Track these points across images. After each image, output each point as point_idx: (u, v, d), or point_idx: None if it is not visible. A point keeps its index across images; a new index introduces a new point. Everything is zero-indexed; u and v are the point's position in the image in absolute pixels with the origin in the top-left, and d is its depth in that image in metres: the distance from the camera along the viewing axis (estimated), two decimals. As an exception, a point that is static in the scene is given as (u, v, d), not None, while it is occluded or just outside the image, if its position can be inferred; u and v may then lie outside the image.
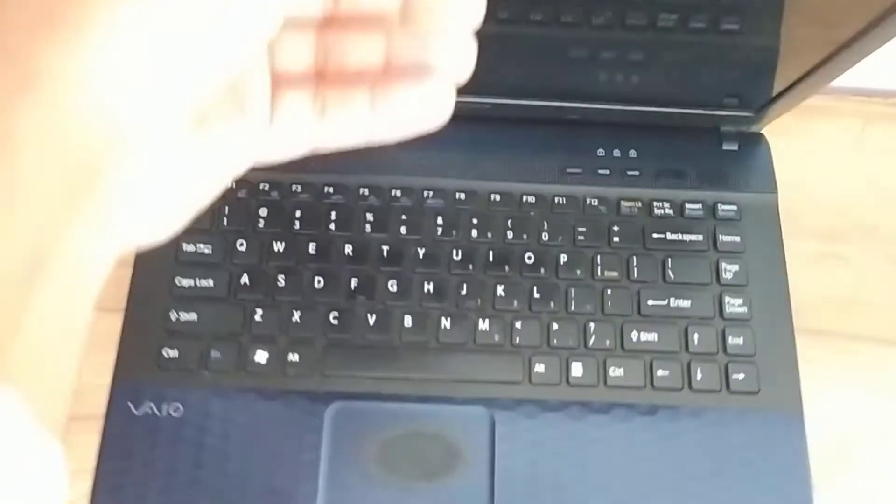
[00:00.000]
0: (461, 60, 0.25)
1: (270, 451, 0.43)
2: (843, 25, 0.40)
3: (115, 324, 0.46)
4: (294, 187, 0.49)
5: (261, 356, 0.45)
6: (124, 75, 0.19)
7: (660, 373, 0.45)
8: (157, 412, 0.43)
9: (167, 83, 0.20)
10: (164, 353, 0.44)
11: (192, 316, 0.45)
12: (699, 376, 0.45)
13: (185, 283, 0.46)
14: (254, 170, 0.49)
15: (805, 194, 0.53)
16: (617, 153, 0.50)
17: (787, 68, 0.46)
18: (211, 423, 0.43)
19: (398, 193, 0.49)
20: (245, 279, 0.46)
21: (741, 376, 0.45)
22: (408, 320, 0.46)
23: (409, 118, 0.25)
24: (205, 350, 0.45)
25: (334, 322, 0.45)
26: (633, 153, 0.50)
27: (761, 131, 0.52)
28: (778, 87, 0.47)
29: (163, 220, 0.23)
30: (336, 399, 0.44)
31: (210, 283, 0.46)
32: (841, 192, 0.53)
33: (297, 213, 0.48)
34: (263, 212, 0.48)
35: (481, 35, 0.25)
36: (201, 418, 0.43)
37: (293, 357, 0.45)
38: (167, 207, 0.23)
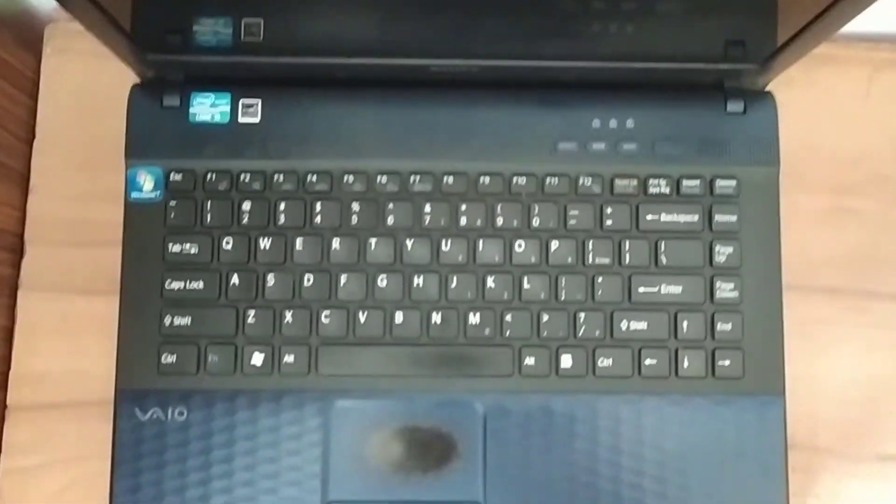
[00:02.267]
0: None
1: (274, 451, 0.45)
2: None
3: (105, 307, 0.47)
4: (277, 176, 0.47)
5: (256, 358, 0.46)
6: None
7: (647, 361, 0.46)
8: (162, 417, 0.45)
9: None
10: (163, 359, 0.46)
11: (186, 320, 0.46)
12: (686, 364, 0.46)
13: (175, 285, 0.46)
14: (233, 159, 0.48)
15: (813, 147, 0.51)
16: (613, 124, 0.48)
17: (793, 14, 0.42)
18: (215, 426, 0.45)
19: (384, 179, 0.47)
20: (235, 279, 0.46)
21: (727, 362, 0.46)
22: (399, 317, 0.46)
23: None
24: (201, 354, 0.46)
25: (326, 321, 0.46)
26: (630, 123, 0.48)
27: (768, 89, 0.48)
28: (784, 36, 0.44)
29: None
30: (332, 398, 0.46)
31: (200, 284, 0.46)
32: (850, 143, 0.51)
33: (282, 206, 0.47)
34: (246, 205, 0.47)
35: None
36: (205, 421, 0.45)
37: (288, 358, 0.46)
38: None
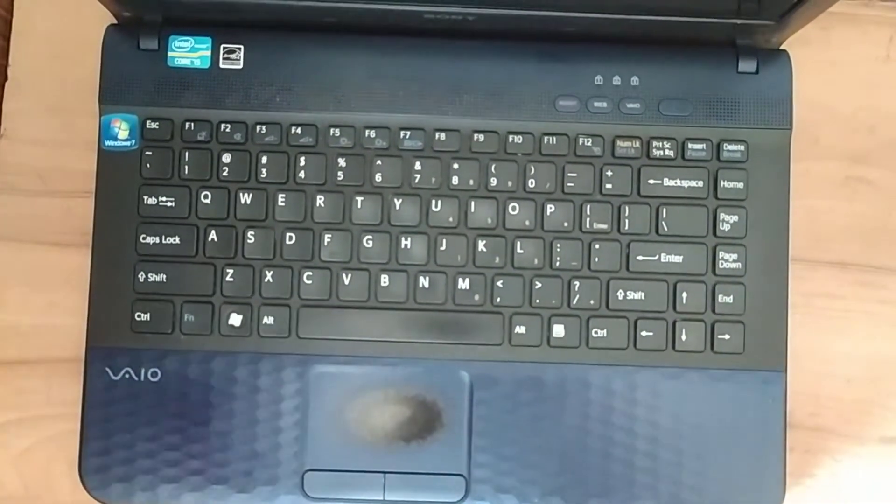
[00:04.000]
0: None
1: (251, 416, 0.43)
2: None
3: (78, 260, 0.45)
4: (259, 128, 0.44)
5: (234, 319, 0.44)
6: None
7: (644, 333, 0.44)
8: (135, 377, 0.43)
9: None
10: (137, 317, 0.43)
11: (161, 277, 0.44)
12: (684, 336, 0.44)
13: (151, 240, 0.44)
14: (213, 108, 0.45)
15: (827, 112, 0.48)
16: (617, 81, 0.45)
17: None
18: (190, 388, 0.43)
19: (372, 134, 0.44)
20: (213, 235, 0.44)
21: (727, 336, 0.44)
22: (384, 279, 0.44)
23: None
24: (177, 312, 0.44)
25: (308, 282, 0.44)
26: (634, 80, 0.45)
27: (783, 47, 0.46)
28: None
29: None
30: (312, 362, 0.44)
31: (176, 239, 0.44)
32: (867, 108, 0.48)
33: (264, 160, 0.44)
34: (227, 158, 0.44)
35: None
36: (180, 383, 0.43)
37: (268, 320, 0.44)
38: None
